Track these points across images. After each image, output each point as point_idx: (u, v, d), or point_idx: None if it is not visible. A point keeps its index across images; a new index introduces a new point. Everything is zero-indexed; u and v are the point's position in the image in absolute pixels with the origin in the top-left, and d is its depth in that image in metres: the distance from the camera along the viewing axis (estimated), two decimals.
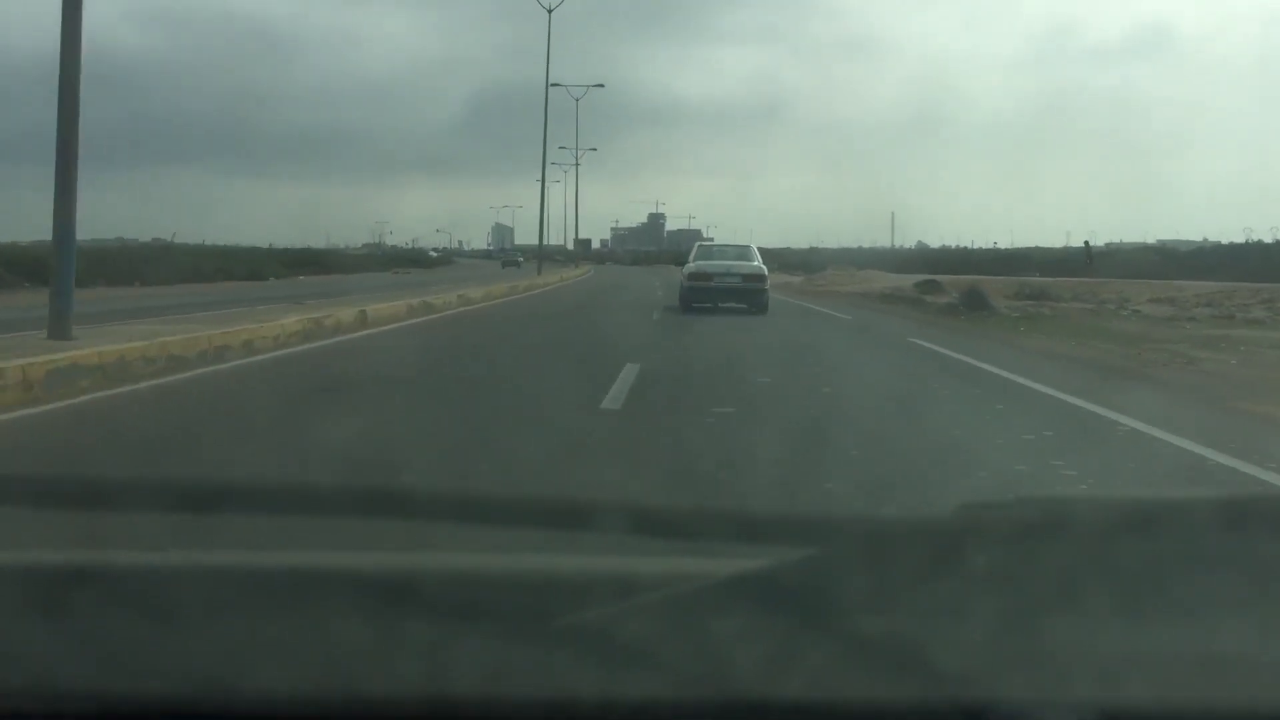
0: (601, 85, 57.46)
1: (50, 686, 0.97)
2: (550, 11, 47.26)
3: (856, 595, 1.02)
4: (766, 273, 20.82)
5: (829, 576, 1.03)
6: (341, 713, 0.96)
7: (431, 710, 0.95)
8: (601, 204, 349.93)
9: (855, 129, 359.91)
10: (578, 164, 65.80)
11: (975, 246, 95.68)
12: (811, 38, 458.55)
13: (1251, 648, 0.99)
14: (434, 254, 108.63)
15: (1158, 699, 0.95)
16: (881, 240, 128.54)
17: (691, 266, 21.21)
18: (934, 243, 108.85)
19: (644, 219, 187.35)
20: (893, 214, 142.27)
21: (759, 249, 22.52)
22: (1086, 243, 58.31)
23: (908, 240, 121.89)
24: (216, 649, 1.01)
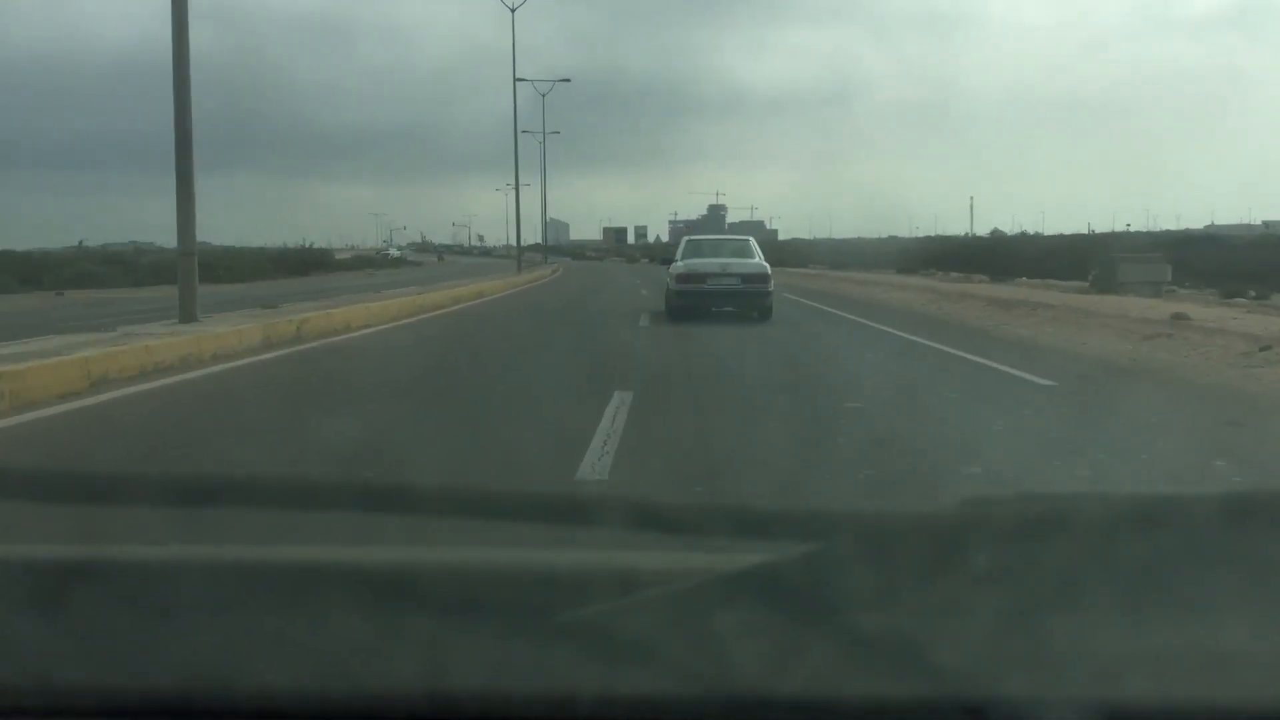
0: (568, 80, 56.06)
1: (50, 682, 0.97)
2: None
3: (857, 591, 1.02)
4: (770, 271, 17.45)
5: (830, 572, 1.03)
6: (341, 707, 0.96)
7: (432, 705, 0.95)
8: (660, 195, 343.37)
9: (931, 112, 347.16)
10: (544, 162, 63.15)
11: (1077, 230, 78.40)
12: (888, 14, 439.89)
13: (1253, 644, 0.99)
14: (395, 254, 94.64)
15: (1159, 695, 0.95)
16: (952, 228, 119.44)
17: (680, 266, 17.52)
18: (1010, 229, 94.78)
19: (704, 210, 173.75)
20: (971, 199, 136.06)
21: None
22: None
23: (983, 227, 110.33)
24: (216, 644, 1.01)
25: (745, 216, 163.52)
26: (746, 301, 16.95)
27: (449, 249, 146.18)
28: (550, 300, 25.17)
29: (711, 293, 17.08)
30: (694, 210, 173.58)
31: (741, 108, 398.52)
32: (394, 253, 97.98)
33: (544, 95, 53.11)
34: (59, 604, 1.06)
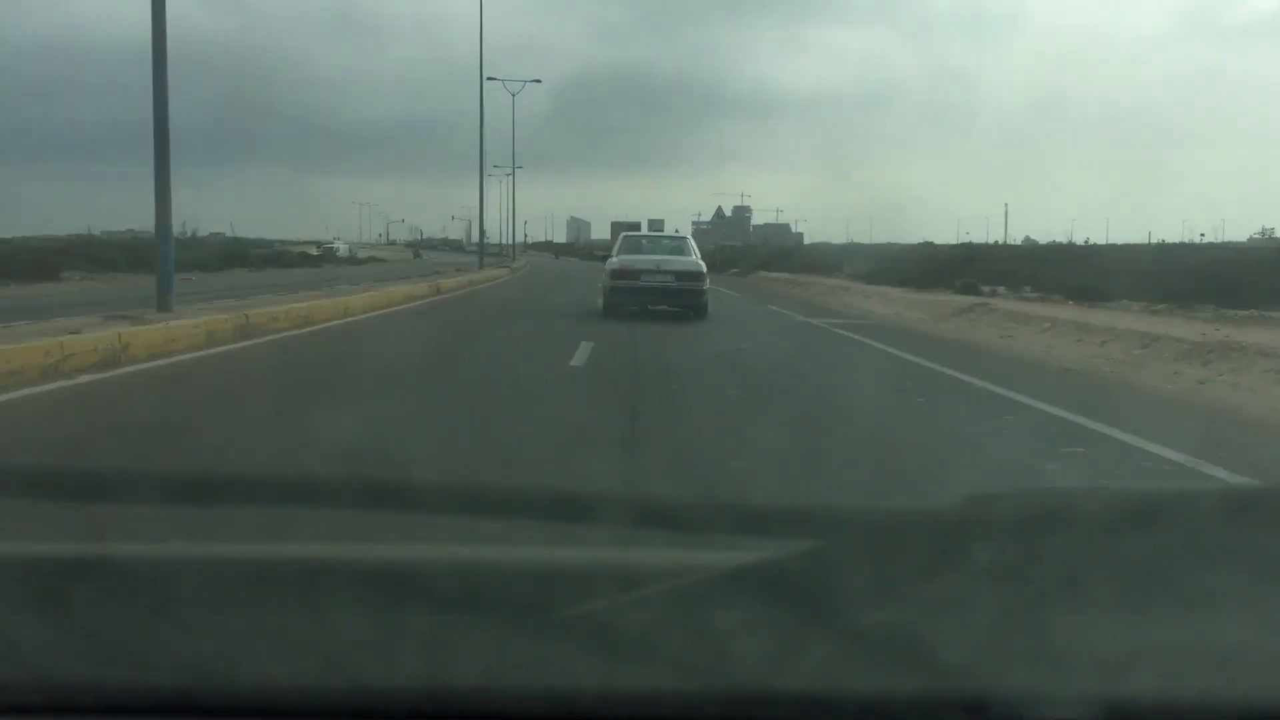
0: (539, 80, 55.41)
1: (52, 679, 0.97)
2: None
3: (859, 587, 1.02)
4: (705, 270, 17.56)
5: (831, 569, 1.03)
6: (343, 704, 0.96)
7: (433, 701, 0.95)
8: (686, 196, 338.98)
9: (962, 116, 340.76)
10: (514, 167, 64.11)
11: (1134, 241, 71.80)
12: (925, 16, 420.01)
13: (1254, 640, 0.99)
14: (342, 250, 79.04)
15: (1160, 691, 0.95)
16: (980, 235, 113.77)
17: (615, 262, 17.62)
18: (1041, 238, 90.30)
19: (728, 212, 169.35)
20: (1006, 205, 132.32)
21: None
22: None
23: (1015, 235, 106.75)
24: (218, 641, 1.01)
25: (770, 219, 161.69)
26: (681, 299, 16.88)
27: (444, 244, 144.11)
28: (443, 328, 15.18)
29: (646, 289, 17.01)
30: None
31: (769, 109, 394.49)
32: (341, 249, 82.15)
33: (514, 95, 52.95)
34: (61, 601, 1.06)
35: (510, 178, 67.23)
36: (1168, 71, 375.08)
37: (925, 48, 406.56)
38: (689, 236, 20.24)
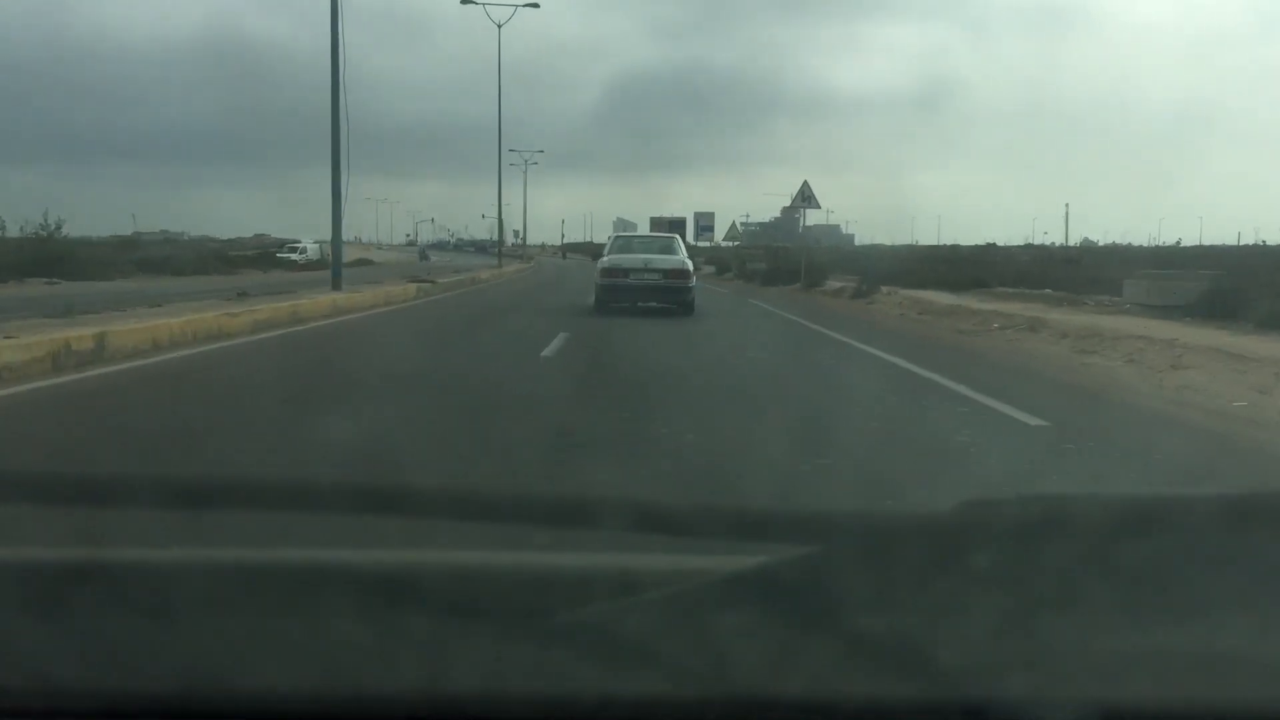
0: (536, 5, 44.74)
1: (50, 684, 0.97)
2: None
3: (857, 593, 1.02)
4: (692, 268, 18.44)
5: (829, 574, 1.03)
6: (341, 709, 0.96)
7: (431, 706, 0.95)
8: (735, 196, 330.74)
9: (1019, 116, 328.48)
10: (500, 142, 52.01)
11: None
12: (987, 11, 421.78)
13: (1252, 646, 0.99)
14: (297, 256, 55.28)
15: (1158, 697, 0.95)
16: (1038, 237, 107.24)
17: (605, 261, 18.71)
18: (1100, 240, 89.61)
19: (777, 213, 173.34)
20: (1067, 206, 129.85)
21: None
22: None
23: (1073, 238, 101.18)
24: (216, 646, 1.01)
25: (821, 220, 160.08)
26: (668, 296, 17.67)
27: (468, 244, 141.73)
28: None
29: (634, 287, 17.87)
30: (767, 212, 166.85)
31: (823, 109, 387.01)
32: (310, 250, 58.76)
33: (500, 25, 45.93)
34: (59, 606, 1.06)
35: (536, 169, 54.68)
36: (1237, 68, 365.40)
37: (983, 48, 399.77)
38: (677, 236, 21.19)
